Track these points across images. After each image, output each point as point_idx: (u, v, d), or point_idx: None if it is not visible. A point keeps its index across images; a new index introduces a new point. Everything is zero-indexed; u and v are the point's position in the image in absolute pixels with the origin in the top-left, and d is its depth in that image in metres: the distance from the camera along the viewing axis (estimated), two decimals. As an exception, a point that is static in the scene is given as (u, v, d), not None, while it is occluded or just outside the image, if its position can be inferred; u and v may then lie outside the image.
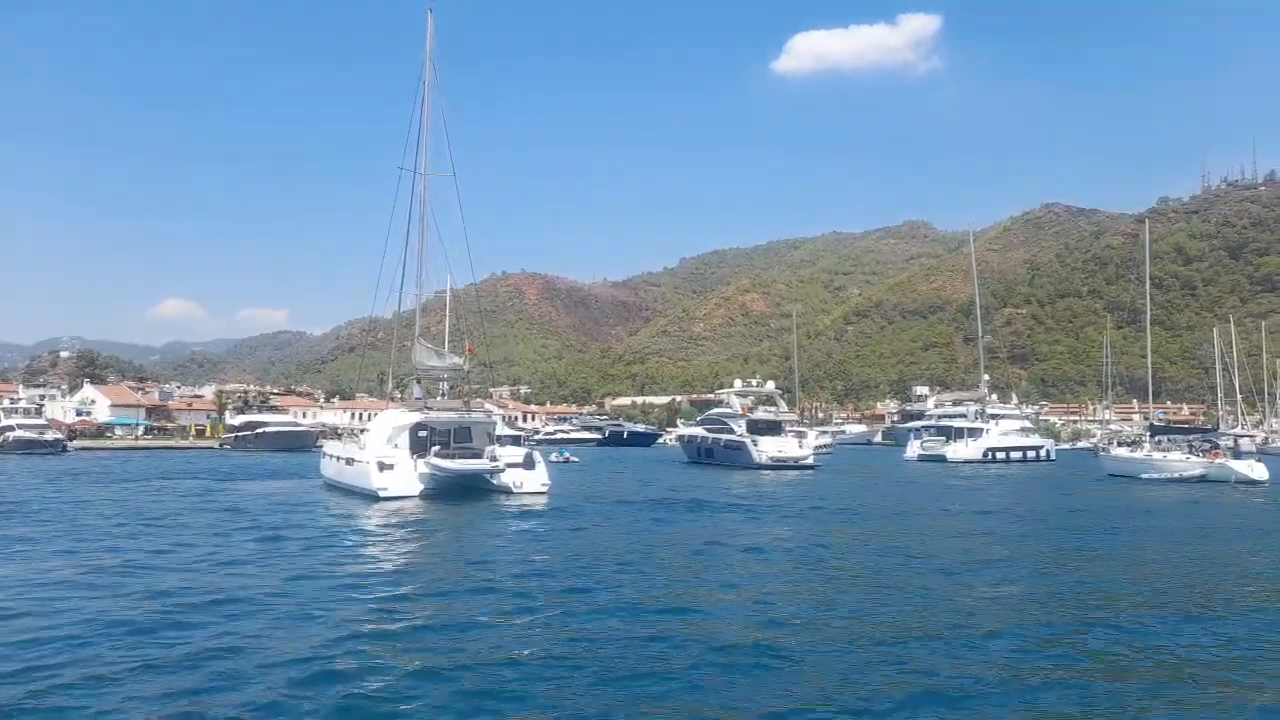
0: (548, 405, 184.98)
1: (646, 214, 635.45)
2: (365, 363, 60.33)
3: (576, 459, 56.07)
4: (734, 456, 51.12)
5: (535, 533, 19.00)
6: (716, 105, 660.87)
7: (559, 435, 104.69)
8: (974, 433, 62.50)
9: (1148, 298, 50.65)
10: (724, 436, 53.25)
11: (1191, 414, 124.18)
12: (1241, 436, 53.67)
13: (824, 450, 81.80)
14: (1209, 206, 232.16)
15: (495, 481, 28.08)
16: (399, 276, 32.52)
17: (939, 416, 72.50)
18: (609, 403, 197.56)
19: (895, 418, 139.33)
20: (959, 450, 60.64)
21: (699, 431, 58.03)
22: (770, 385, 62.17)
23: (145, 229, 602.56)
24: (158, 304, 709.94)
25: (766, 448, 49.90)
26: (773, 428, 53.72)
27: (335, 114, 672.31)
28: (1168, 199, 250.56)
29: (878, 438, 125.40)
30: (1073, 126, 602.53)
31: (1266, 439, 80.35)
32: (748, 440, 50.71)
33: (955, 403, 75.57)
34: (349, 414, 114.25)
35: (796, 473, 46.06)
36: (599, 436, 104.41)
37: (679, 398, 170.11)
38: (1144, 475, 39.49)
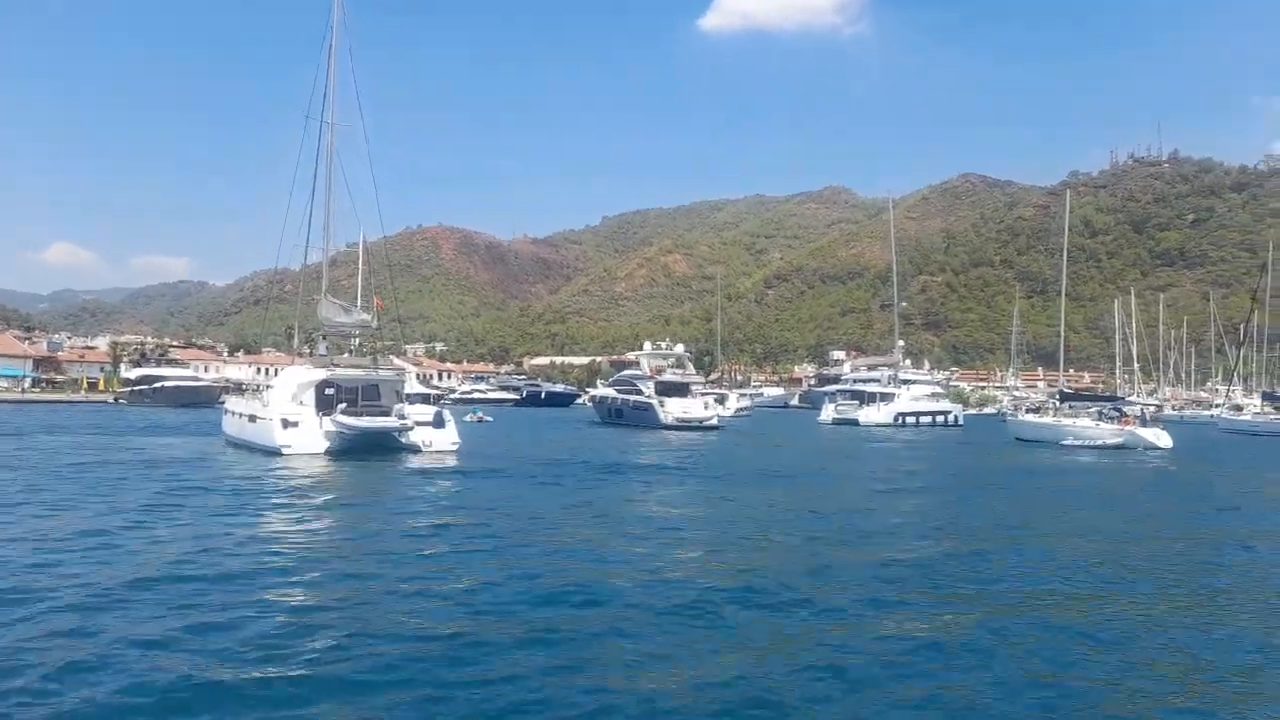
0: (464, 364, 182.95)
1: (569, 171, 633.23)
2: (271, 316, 58.47)
3: (490, 418, 55.79)
4: (642, 417, 52.18)
5: (435, 493, 18.82)
6: (642, 61, 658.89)
7: (475, 395, 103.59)
8: (886, 397, 64.27)
9: (1064, 269, 52.27)
10: (633, 398, 54.30)
11: (1092, 381, 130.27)
12: (1145, 404, 56.43)
13: (743, 413, 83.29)
14: (1116, 181, 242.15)
15: (403, 440, 27.90)
16: (306, 229, 31.51)
17: (854, 381, 74.24)
18: (528, 362, 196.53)
19: (812, 381, 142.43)
20: (871, 414, 62.35)
21: (610, 392, 59.03)
22: (680, 348, 63.35)
23: (31, 168, 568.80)
24: (45, 248, 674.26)
25: (673, 409, 51.12)
26: (680, 389, 54.87)
27: (245, 61, 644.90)
28: (1078, 173, 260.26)
29: (795, 401, 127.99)
30: (992, 98, 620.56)
31: (1160, 407, 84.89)
32: (655, 401, 51.83)
33: (870, 368, 77.53)
34: (254, 369, 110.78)
35: (701, 434, 47.11)
36: (516, 396, 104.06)
37: (599, 358, 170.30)
38: (1063, 442, 40.26)
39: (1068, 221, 51.40)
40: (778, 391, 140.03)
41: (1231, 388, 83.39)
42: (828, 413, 66.55)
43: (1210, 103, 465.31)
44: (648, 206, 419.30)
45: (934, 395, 69.68)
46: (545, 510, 16.01)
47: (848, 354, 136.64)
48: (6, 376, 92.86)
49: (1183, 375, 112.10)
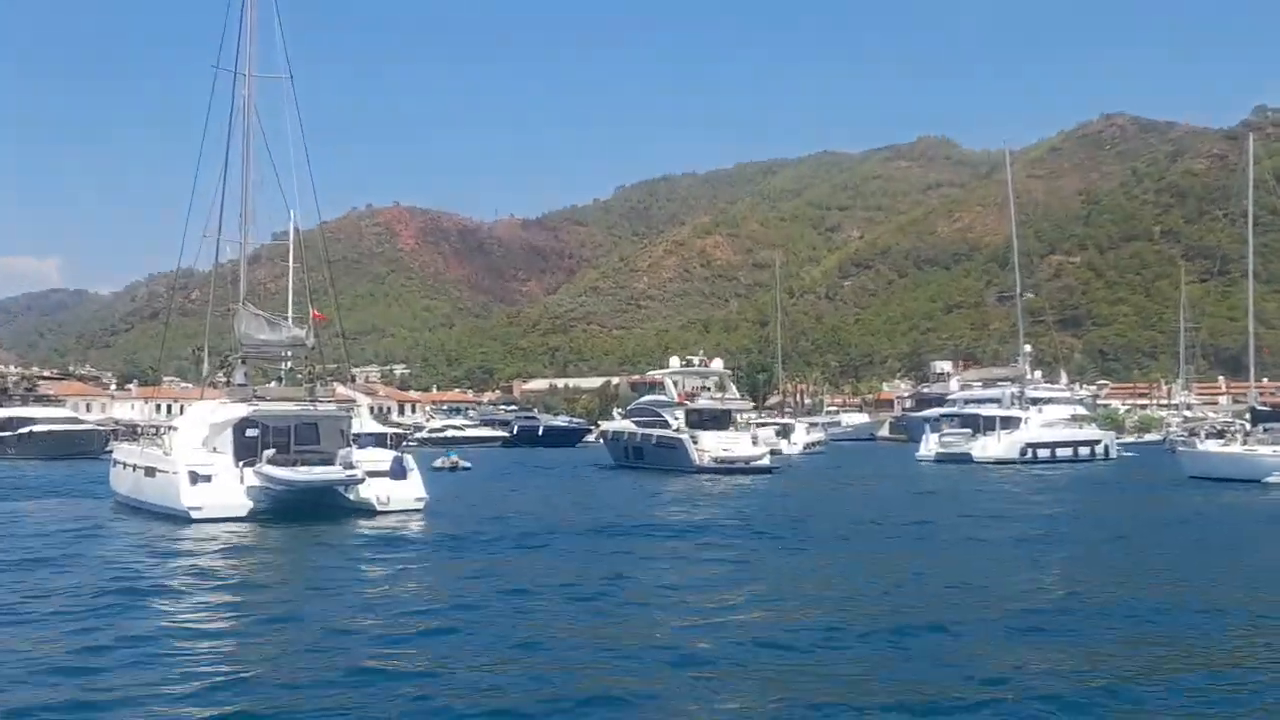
0: (434, 391, 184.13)
1: (569, 129, 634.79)
2: (172, 334, 58.89)
3: (468, 464, 56.15)
4: (668, 457, 52.58)
5: (391, 575, 18.67)
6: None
7: (450, 433, 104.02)
8: (1009, 423, 63.89)
9: (1250, 242, 51.67)
10: (656, 432, 54.79)
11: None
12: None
13: (815, 449, 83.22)
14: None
15: (352, 496, 28.12)
16: (218, 216, 31.90)
17: (964, 402, 73.98)
18: (519, 387, 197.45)
19: (907, 404, 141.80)
20: (989, 447, 61.93)
21: (627, 426, 59.37)
22: (718, 364, 63.71)
23: None
24: None
25: (709, 446, 51.41)
26: (719, 420, 55.28)
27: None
28: (1266, 109, 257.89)
29: (884, 430, 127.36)
30: (1141, 8, 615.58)
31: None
32: (685, 437, 52.15)
33: (986, 383, 77.11)
34: (150, 406, 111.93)
35: (749, 478, 47.23)
36: (505, 434, 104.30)
37: (615, 380, 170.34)
38: (1268, 479, 39.34)
39: (1251, 175, 50.95)
40: (861, 419, 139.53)
41: None
42: (929, 446, 66.18)
43: None
44: (676, 171, 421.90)
45: (1074, 419, 69.19)
46: (541, 605, 15.40)
47: (955, 365, 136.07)
48: None
49: None
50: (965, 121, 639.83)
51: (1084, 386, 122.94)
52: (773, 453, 73.14)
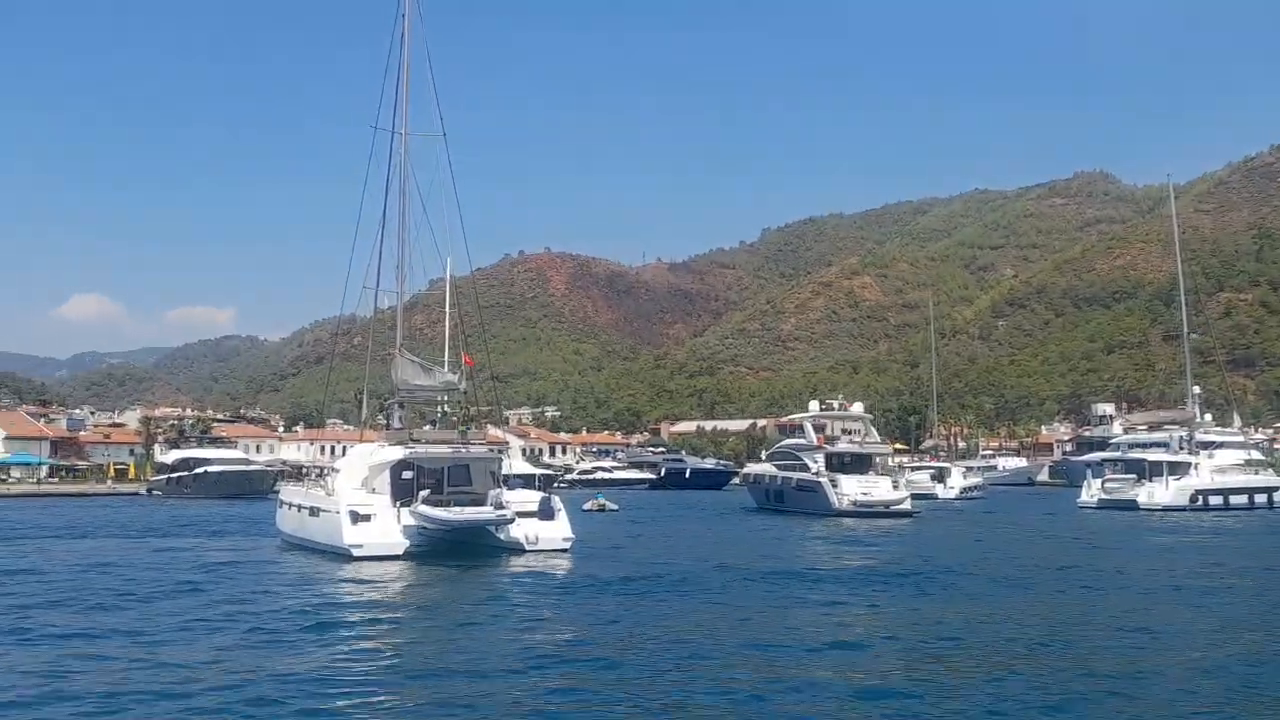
0: (584, 433, 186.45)
1: (714, 173, 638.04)
2: (337, 378, 61.39)
3: (615, 506, 56.77)
4: (808, 501, 53.25)
5: (543, 610, 19.12)
6: (804, 26, 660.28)
7: (599, 474, 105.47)
8: (1177, 469, 61.51)
9: None
10: (796, 475, 55.56)
11: None
12: None
13: (973, 494, 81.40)
14: None
15: (502, 536, 28.90)
16: (376, 265, 33.19)
17: (1128, 446, 72.05)
18: (667, 429, 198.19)
19: (1067, 448, 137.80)
20: (1156, 493, 59.78)
21: (768, 469, 60.27)
22: (858, 407, 63.80)
23: (43, 206, 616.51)
24: (62, 302, 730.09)
25: (848, 489, 51.85)
26: (859, 463, 55.53)
27: (294, 61, 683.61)
28: None
29: (1043, 475, 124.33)
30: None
31: None
32: (824, 480, 52.70)
33: (1152, 426, 74.64)
34: (315, 448, 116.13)
35: (889, 521, 47.57)
36: (652, 477, 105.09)
37: (762, 422, 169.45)
38: None
39: None
40: (1018, 463, 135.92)
41: None
42: (1091, 491, 64.58)
43: None
44: (823, 213, 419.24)
45: (1248, 464, 66.04)
46: (685, 649, 15.25)
47: (1118, 408, 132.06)
48: (20, 464, 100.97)
49: None
50: (1124, 156, 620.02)
51: (1259, 430, 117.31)
52: (928, 497, 72.22)
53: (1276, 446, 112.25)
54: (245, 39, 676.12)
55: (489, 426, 56.15)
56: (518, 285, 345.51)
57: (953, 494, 77.97)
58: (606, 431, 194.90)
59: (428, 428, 33.41)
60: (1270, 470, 70.57)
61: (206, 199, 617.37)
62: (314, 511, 30.21)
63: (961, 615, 18.53)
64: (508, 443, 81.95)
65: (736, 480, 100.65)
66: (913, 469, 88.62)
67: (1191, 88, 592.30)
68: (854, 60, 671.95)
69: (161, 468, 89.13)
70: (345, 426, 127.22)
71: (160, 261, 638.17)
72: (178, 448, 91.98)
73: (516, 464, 56.47)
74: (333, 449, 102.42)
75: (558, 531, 29.60)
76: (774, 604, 20.29)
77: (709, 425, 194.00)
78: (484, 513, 28.33)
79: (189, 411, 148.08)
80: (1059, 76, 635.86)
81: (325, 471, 36.35)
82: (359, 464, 30.82)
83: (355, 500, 28.38)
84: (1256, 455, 72.19)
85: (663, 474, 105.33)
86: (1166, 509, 57.81)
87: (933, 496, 74.09)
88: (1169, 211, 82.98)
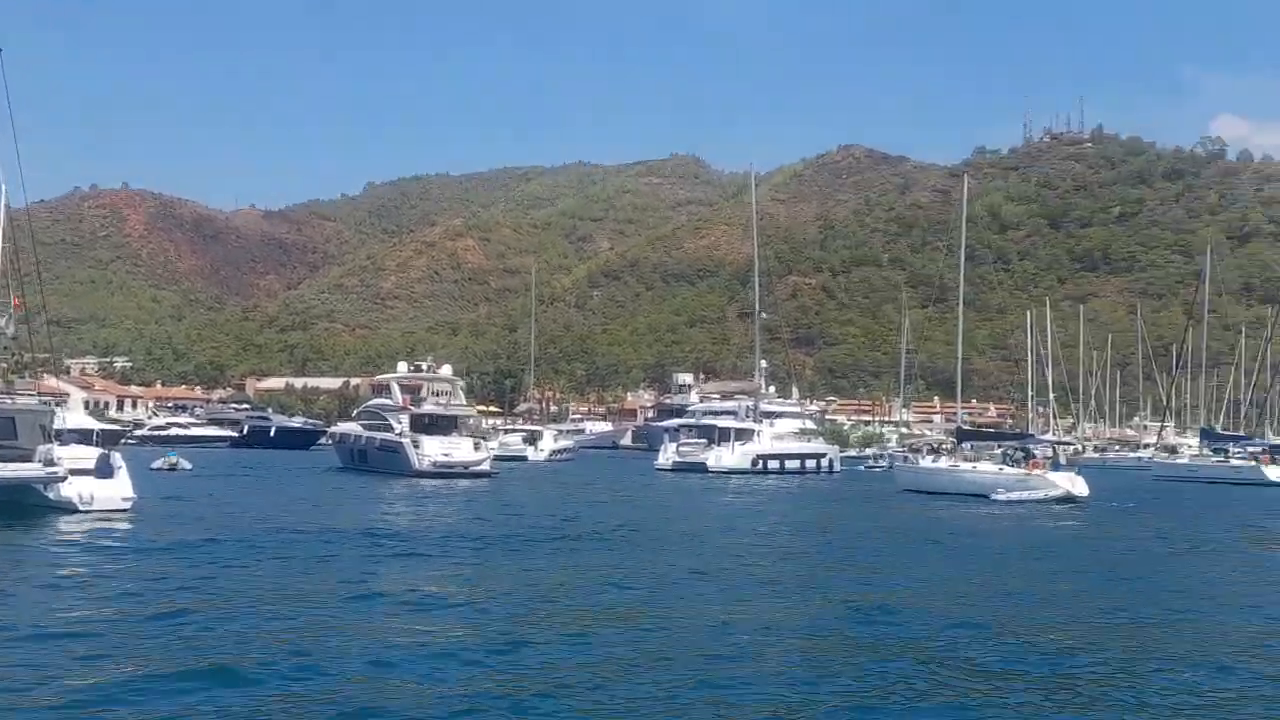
0: (159, 386, 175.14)
1: (317, 116, 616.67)
2: None
3: (189, 465, 53.56)
4: (390, 461, 53.54)
5: (90, 575, 17.89)
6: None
7: (174, 431, 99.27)
8: (743, 435, 66.46)
9: (961, 272, 55.73)
10: (380, 435, 55.79)
11: (999, 415, 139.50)
12: (1058, 443, 60.57)
13: (563, 456, 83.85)
14: (1030, 162, 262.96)
15: (52, 495, 26.95)
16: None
17: (702, 413, 76.56)
18: (254, 385, 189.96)
19: (650, 414, 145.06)
20: (722, 457, 64.27)
21: (353, 428, 60.48)
22: (447, 369, 65.34)
23: None
24: None
25: (430, 450, 52.48)
26: (443, 424, 56.47)
27: None
28: (985, 150, 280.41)
29: (626, 439, 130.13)
30: (881, 50, 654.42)
31: (1080, 448, 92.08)
32: (406, 441, 53.19)
33: (724, 396, 80.00)
34: None
35: (467, 482, 49.05)
36: (234, 434, 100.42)
37: (356, 381, 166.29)
38: (995, 495, 41.71)
39: (964, 212, 55.01)
40: (605, 427, 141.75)
41: (1164, 424, 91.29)
42: (667, 455, 68.05)
43: (1136, 70, 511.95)
44: (429, 172, 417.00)
45: (803, 433, 72.50)
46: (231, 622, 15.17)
47: (696, 377, 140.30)
48: None
49: (1105, 408, 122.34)
50: (717, 141, 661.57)
51: (814, 402, 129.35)
52: (520, 459, 73.89)
53: (828, 417, 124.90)
54: None
55: (45, 376, 51.31)
56: (88, 222, 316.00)
57: (543, 456, 79.89)
58: (185, 386, 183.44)
59: (-37, 375, 30.19)
60: (820, 439, 78.21)
61: None
62: None
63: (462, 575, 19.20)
64: (67, 395, 75.06)
65: (325, 440, 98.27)
66: (506, 431, 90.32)
67: (779, 86, 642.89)
68: (468, 24, 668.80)
69: None
70: None
71: None
72: None
73: (75, 417, 51.86)
74: None
75: (116, 490, 27.74)
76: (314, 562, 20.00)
77: (300, 383, 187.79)
78: (29, 470, 26.44)
79: None
80: (660, 62, 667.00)
81: None
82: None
83: None
84: (810, 425, 79.78)
85: (245, 432, 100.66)
86: (731, 471, 62.44)
87: (524, 458, 75.83)
88: (750, 199, 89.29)
